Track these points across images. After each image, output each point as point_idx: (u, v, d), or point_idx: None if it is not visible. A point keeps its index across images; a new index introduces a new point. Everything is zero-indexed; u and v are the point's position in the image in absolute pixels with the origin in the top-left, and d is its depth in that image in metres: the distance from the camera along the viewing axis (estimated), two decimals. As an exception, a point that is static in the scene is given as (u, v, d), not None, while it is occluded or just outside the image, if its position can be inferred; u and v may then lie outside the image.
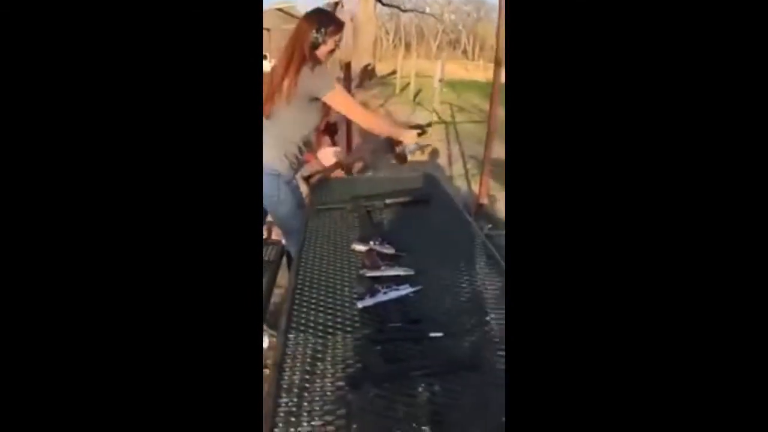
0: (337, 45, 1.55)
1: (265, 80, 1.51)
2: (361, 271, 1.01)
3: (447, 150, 5.29)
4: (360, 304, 0.88)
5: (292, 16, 6.31)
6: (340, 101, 1.54)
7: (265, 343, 1.70)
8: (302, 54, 1.47)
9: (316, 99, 1.51)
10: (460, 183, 3.96)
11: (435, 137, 5.99)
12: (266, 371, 1.73)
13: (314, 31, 1.48)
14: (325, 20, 1.52)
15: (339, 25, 1.54)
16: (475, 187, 3.71)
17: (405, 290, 0.92)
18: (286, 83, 1.46)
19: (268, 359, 1.73)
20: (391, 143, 1.67)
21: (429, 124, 1.68)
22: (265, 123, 1.51)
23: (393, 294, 0.91)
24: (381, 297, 0.90)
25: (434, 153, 5.11)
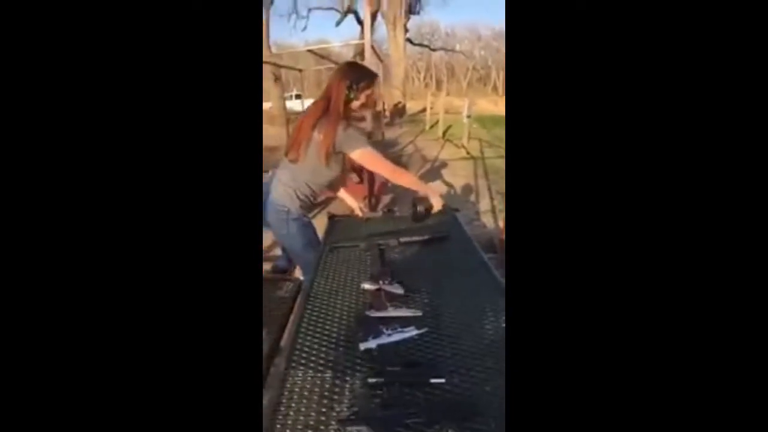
0: (369, 99, 1.55)
1: (295, 126, 1.58)
2: (368, 312, 1.00)
3: (475, 185, 5.28)
4: (362, 346, 0.87)
5: (322, 57, 6.55)
6: (369, 159, 1.53)
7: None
8: (337, 111, 1.48)
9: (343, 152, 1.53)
10: (487, 219, 3.92)
11: (463, 173, 6.00)
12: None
13: (346, 87, 1.48)
14: (357, 75, 1.51)
15: (371, 79, 1.53)
16: (501, 223, 3.66)
17: (410, 332, 0.91)
18: (319, 139, 1.48)
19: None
20: (415, 201, 1.68)
21: (456, 209, 1.75)
22: (287, 164, 1.58)
23: (397, 336, 0.89)
24: (384, 339, 0.89)
25: (466, 188, 5.11)
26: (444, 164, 6.62)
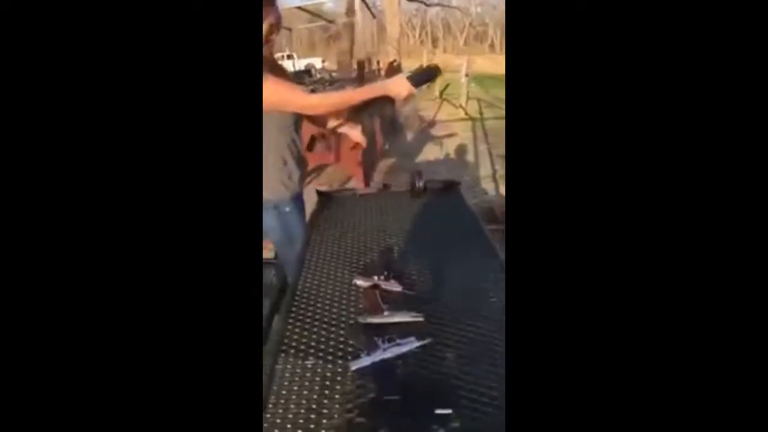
0: (272, 27, 1.14)
1: None
2: (360, 318, 0.86)
3: (474, 149, 5.08)
4: (353, 366, 0.73)
5: (313, 14, 6.17)
6: (269, 94, 1.05)
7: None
8: None
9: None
10: (487, 185, 3.75)
11: (462, 134, 5.78)
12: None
13: None
14: None
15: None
16: (503, 190, 3.50)
17: (409, 344, 0.77)
18: None
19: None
20: (414, 174, 1.47)
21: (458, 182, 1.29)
22: None
23: (394, 350, 0.75)
24: (379, 354, 0.75)
25: (463, 150, 4.92)
26: (443, 127, 6.37)
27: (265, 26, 1.13)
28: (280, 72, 1.24)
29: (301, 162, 1.35)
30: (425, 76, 1.22)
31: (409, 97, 1.20)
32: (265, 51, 1.19)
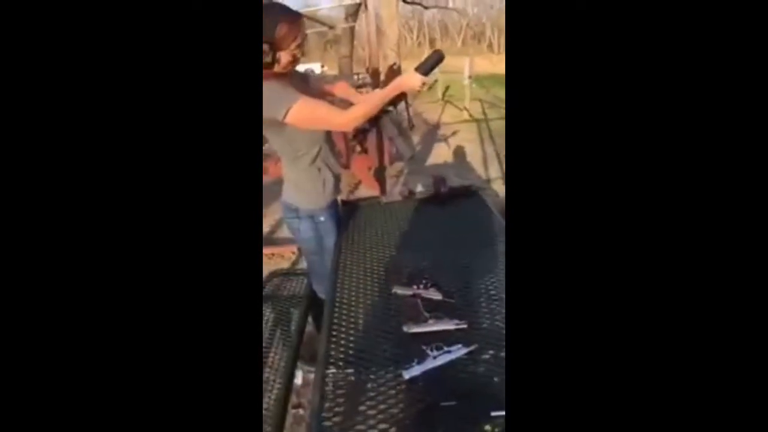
0: (299, 48, 1.18)
1: None
2: (405, 327, 0.89)
3: (481, 151, 5.10)
4: (406, 375, 0.76)
5: (310, 19, 6.18)
6: (307, 115, 1.15)
7: (299, 379, 1.61)
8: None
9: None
10: (498, 187, 3.78)
11: (468, 137, 5.81)
12: (301, 411, 1.63)
13: (264, 50, 1.12)
14: (271, 28, 1.11)
15: (292, 28, 1.13)
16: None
17: (457, 351, 0.80)
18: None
19: (303, 397, 1.64)
20: (437, 180, 1.52)
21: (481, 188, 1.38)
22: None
23: (444, 357, 0.79)
24: (430, 363, 0.78)
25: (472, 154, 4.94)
26: (452, 131, 6.39)
27: (294, 46, 1.16)
28: (309, 89, 1.28)
29: (335, 170, 1.39)
30: (432, 62, 1.26)
31: (422, 87, 1.25)
32: (293, 68, 1.24)
